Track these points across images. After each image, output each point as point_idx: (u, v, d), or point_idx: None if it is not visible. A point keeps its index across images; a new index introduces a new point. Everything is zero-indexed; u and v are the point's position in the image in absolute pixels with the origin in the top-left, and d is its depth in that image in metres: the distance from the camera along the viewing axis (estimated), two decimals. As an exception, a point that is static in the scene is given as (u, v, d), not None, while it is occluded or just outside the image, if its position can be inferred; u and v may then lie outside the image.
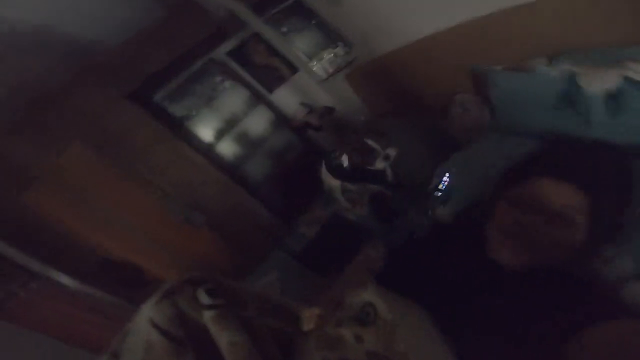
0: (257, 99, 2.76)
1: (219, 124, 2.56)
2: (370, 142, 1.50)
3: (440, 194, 1.37)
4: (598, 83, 1.01)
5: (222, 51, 2.49)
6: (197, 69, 2.41)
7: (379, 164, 1.53)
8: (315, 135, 2.83)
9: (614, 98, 1.01)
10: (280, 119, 2.85)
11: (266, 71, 2.74)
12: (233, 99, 2.61)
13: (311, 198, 2.86)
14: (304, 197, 2.87)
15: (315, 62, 2.11)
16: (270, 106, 2.81)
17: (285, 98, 2.83)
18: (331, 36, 1.87)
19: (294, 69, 2.68)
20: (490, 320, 0.62)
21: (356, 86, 2.20)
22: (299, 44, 2.13)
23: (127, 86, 2.18)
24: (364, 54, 1.89)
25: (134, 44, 2.15)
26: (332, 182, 1.79)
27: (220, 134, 2.57)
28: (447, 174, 1.41)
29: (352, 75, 2.11)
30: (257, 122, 2.79)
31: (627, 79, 0.97)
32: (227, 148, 2.62)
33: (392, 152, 1.50)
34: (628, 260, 0.82)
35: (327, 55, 2.01)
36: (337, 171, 1.66)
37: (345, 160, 1.59)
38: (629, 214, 0.79)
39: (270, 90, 2.78)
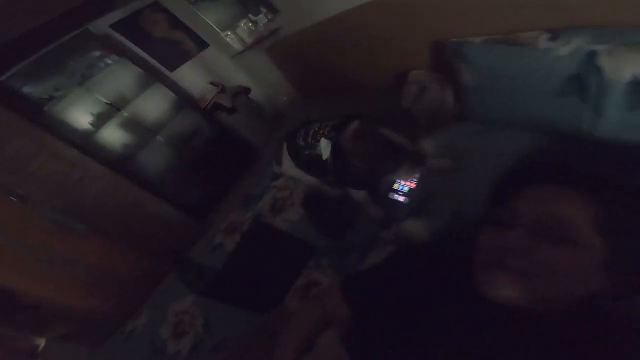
0: (153, 78, 2.27)
1: (99, 107, 2.07)
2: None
3: (399, 196, 1.14)
4: (629, 67, 0.80)
5: (104, 23, 2.03)
6: (65, 42, 1.92)
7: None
8: (229, 119, 2.51)
9: (637, 88, 0.80)
10: (184, 101, 2.41)
11: (166, 46, 2.30)
12: (119, 77, 2.13)
13: (227, 189, 2.56)
14: (219, 189, 2.55)
15: (229, 33, 1.77)
16: (171, 86, 2.36)
17: (191, 77, 2.40)
18: (251, 2, 1.57)
19: (202, 44, 2.29)
20: None
21: (280, 62, 1.83)
22: (211, 14, 1.75)
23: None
24: (291, 23, 1.53)
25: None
26: (304, 178, 1.29)
27: (101, 120, 2.08)
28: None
29: (276, 49, 1.74)
30: (153, 105, 2.33)
31: None
32: (111, 136, 2.15)
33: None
34: None
35: (245, 24, 1.69)
36: (310, 162, 1.17)
37: (325, 147, 1.10)
38: None
39: (172, 68, 2.32)
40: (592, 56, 0.82)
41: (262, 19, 1.56)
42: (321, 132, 1.09)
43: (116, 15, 2.07)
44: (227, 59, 2.19)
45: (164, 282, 1.78)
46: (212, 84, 2.53)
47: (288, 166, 1.24)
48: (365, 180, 1.07)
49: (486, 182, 0.76)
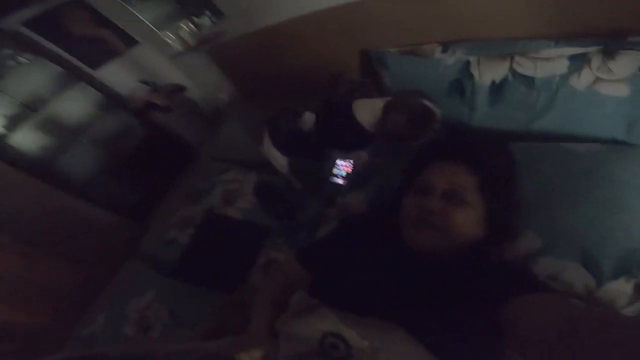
0: (75, 77, 2.12)
1: (12, 109, 1.91)
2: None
3: (338, 179, 1.29)
4: (489, 73, 1.06)
5: (15, 20, 1.87)
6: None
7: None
8: (163, 118, 2.45)
9: (497, 88, 1.07)
10: (112, 100, 2.29)
11: (89, 44, 2.15)
12: (34, 77, 1.98)
13: (165, 190, 2.50)
14: (157, 189, 2.48)
15: (169, 33, 1.76)
16: (96, 85, 2.21)
17: (119, 75, 2.28)
18: (194, 4, 1.59)
19: (131, 42, 2.19)
20: (428, 310, 0.62)
21: (222, 64, 1.88)
22: (145, 12, 1.72)
23: None
24: (236, 27, 1.59)
25: None
26: (280, 161, 1.36)
27: (13, 122, 1.91)
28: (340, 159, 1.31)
29: (219, 51, 1.78)
30: (75, 105, 2.17)
31: (512, 71, 1.03)
32: (28, 139, 1.98)
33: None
34: (533, 236, 0.84)
35: (186, 25, 1.71)
36: (288, 139, 1.24)
37: (309, 119, 1.16)
38: (520, 193, 0.83)
39: (94, 66, 2.19)
40: (467, 65, 1.09)
41: (205, 21, 1.61)
42: (302, 108, 1.19)
43: (30, 12, 1.88)
44: (161, 58, 2.14)
45: (112, 284, 1.71)
46: (143, 82, 2.42)
47: (266, 145, 1.33)
48: (354, 145, 1.18)
49: (405, 159, 1.01)
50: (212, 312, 1.13)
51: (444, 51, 1.14)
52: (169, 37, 1.75)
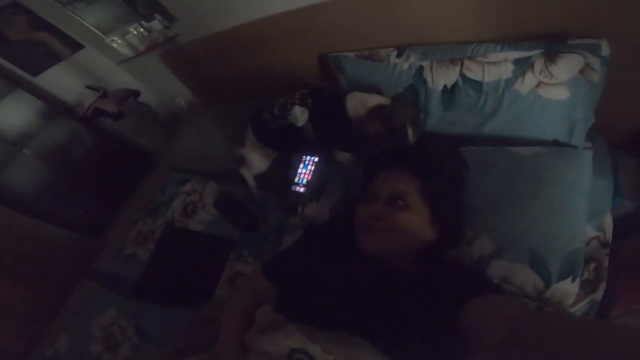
0: (12, 84, 1.94)
1: None
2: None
3: (299, 187, 1.26)
4: (441, 78, 1.07)
5: None
6: None
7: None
8: (115, 125, 2.30)
9: (449, 93, 1.08)
10: (56, 108, 2.12)
11: (27, 49, 1.99)
12: None
13: (121, 202, 2.38)
14: (113, 201, 2.35)
15: (115, 38, 1.65)
16: (37, 92, 2.04)
17: (63, 81, 2.12)
18: (144, 7, 1.48)
19: (75, 46, 2.04)
20: (391, 319, 0.63)
21: (176, 68, 1.77)
22: (89, 16, 1.58)
23: None
24: (189, 31, 1.51)
25: None
26: (258, 164, 1.27)
27: None
28: (302, 165, 1.30)
29: (172, 56, 1.68)
30: (14, 114, 1.98)
31: (462, 76, 1.05)
32: None
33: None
34: (486, 240, 0.86)
35: (136, 30, 1.60)
36: (277, 134, 1.15)
37: (301, 114, 1.08)
38: (471, 197, 0.88)
39: (35, 72, 2.02)
40: (421, 70, 1.11)
41: (156, 24, 1.52)
42: (289, 102, 1.10)
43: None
44: (111, 63, 2.00)
45: (70, 302, 1.61)
46: (90, 87, 2.27)
47: (251, 145, 1.24)
48: (354, 142, 1.09)
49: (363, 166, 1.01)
50: (179, 328, 1.07)
51: (398, 56, 1.15)
52: (117, 42, 1.63)
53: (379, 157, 0.93)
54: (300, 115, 1.07)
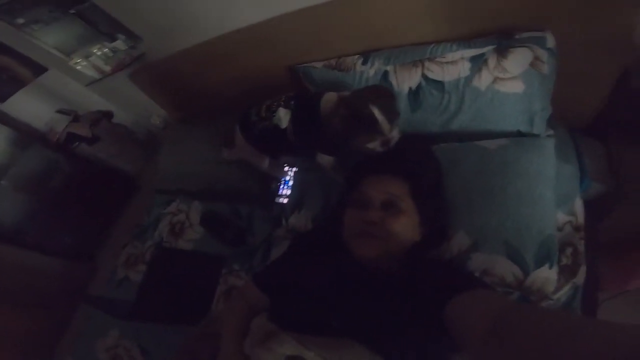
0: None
1: None
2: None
3: (282, 199, 1.28)
4: (405, 81, 1.10)
5: None
6: None
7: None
8: (91, 149, 2.25)
9: (414, 95, 1.11)
10: (28, 136, 2.07)
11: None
12: None
13: (108, 226, 2.35)
14: (99, 226, 2.32)
15: (79, 60, 1.61)
16: (6, 120, 1.98)
17: (31, 107, 2.05)
18: (106, 28, 1.44)
19: (39, 69, 1.97)
20: (382, 321, 0.65)
21: (146, 87, 1.74)
22: (49, 38, 1.53)
23: None
24: (156, 49, 1.49)
25: None
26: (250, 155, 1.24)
27: None
28: (284, 176, 1.32)
29: (141, 75, 1.65)
30: (-18, 146, 1.93)
31: (424, 77, 1.08)
32: None
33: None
34: (463, 235, 0.88)
35: (100, 51, 1.57)
36: (263, 135, 1.12)
37: (284, 116, 1.06)
38: (447, 194, 0.91)
39: (0, 100, 1.95)
40: (386, 75, 1.13)
41: (120, 45, 1.49)
42: (275, 104, 1.09)
43: None
44: (78, 85, 1.95)
45: (72, 327, 1.61)
46: (60, 112, 2.20)
47: (240, 143, 1.22)
48: (333, 144, 1.05)
49: (342, 175, 1.04)
50: (181, 344, 1.09)
51: (364, 63, 1.17)
52: (81, 64, 1.59)
53: (363, 163, 0.95)
54: (283, 116, 1.06)
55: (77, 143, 2.18)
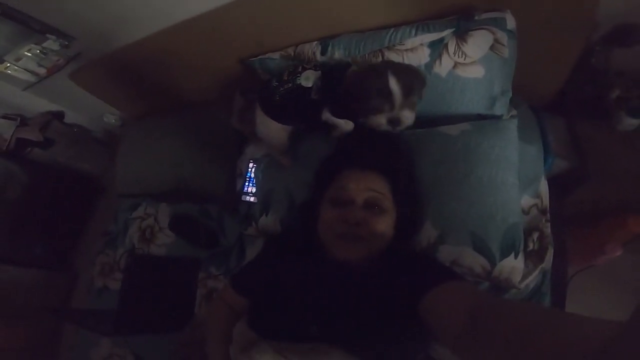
0: None
1: None
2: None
3: (249, 197, 1.24)
4: None
5: None
6: None
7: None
8: (46, 154, 2.08)
9: None
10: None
11: None
12: None
13: (79, 232, 2.24)
14: (69, 234, 2.20)
15: (9, 64, 1.41)
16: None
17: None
18: (35, 29, 1.25)
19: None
20: (360, 322, 0.64)
21: (90, 87, 1.58)
22: None
23: None
24: (92, 48, 1.33)
25: None
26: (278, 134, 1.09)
27: None
28: (248, 175, 1.28)
29: (81, 74, 1.48)
30: None
31: None
32: None
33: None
34: (429, 226, 0.85)
35: (30, 52, 1.37)
36: (285, 100, 1.00)
37: (310, 76, 0.95)
38: (418, 186, 0.88)
39: None
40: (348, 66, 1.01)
41: (52, 45, 1.31)
42: (300, 69, 1.00)
43: None
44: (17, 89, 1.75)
45: (64, 338, 1.56)
46: (5, 117, 2.00)
47: (260, 119, 1.09)
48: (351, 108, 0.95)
49: (310, 171, 0.98)
50: (170, 351, 1.13)
51: (323, 53, 1.08)
52: (12, 69, 1.41)
53: (340, 155, 0.90)
54: (311, 75, 0.96)
55: (29, 148, 2.00)
